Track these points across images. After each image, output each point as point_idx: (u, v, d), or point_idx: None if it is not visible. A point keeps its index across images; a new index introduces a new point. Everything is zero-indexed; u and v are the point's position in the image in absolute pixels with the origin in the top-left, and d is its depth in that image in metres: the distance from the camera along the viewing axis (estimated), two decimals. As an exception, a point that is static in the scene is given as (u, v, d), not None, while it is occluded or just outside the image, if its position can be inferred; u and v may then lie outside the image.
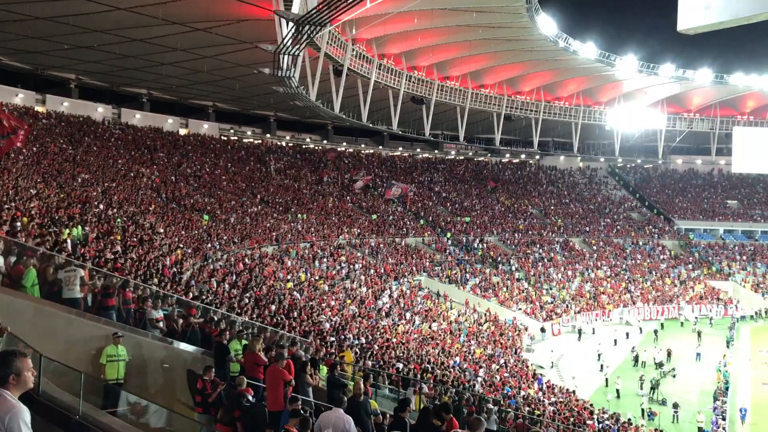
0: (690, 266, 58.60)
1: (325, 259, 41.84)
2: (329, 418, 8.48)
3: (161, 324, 14.16)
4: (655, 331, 45.60)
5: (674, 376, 37.15)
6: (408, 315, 37.77)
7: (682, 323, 49.20)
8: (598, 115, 69.38)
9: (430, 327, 37.17)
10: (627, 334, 44.85)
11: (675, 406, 31.82)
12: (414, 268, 47.21)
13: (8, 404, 4.06)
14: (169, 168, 46.12)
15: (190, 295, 20.39)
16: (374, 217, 53.71)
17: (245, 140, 62.46)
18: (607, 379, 36.50)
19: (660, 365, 38.14)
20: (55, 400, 5.92)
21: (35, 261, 13.41)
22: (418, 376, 24.53)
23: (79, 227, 23.86)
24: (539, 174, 73.86)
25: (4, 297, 11.11)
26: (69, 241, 20.76)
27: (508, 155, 75.57)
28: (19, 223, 19.62)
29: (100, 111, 51.57)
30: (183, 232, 33.88)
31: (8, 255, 13.79)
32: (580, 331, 45.20)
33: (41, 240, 17.80)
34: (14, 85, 47.99)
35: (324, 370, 15.27)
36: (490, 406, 20.42)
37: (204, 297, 22.22)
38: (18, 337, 6.72)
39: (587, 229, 62.57)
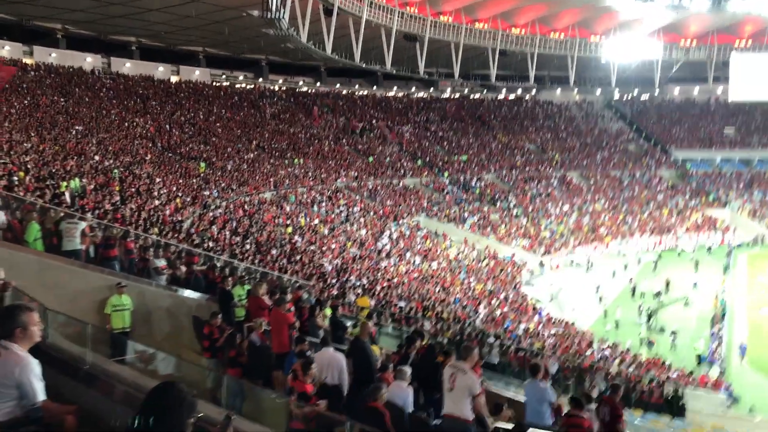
0: (687, 196, 58.78)
1: (323, 203, 41.91)
2: (323, 359, 8.65)
3: (165, 272, 14.33)
4: (655, 262, 46.12)
5: (686, 304, 37.67)
6: (408, 255, 38.09)
7: (679, 253, 49.69)
8: (594, 47, 68.27)
9: (429, 266, 37.53)
10: (625, 266, 45.30)
11: (673, 333, 32.44)
12: (413, 209, 47.34)
13: (17, 357, 4.17)
14: (162, 116, 45.72)
15: (192, 242, 20.57)
16: (371, 159, 53.54)
17: (237, 86, 61.68)
18: (606, 310, 37.11)
19: (658, 295, 38.70)
20: (63, 352, 6.06)
21: (36, 215, 13.48)
22: (420, 314, 24.97)
23: (77, 179, 23.90)
24: (536, 109, 73.26)
25: (6, 252, 11.22)
26: (67, 193, 20.82)
27: (504, 91, 74.77)
28: (15, 178, 19.64)
29: (89, 61, 50.75)
30: (180, 181, 33.87)
31: (6, 210, 13.87)
32: (588, 262, 45.75)
33: (40, 194, 17.85)
34: (0, 37, 47.13)
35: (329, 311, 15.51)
36: (491, 340, 20.86)
37: (205, 244, 22.40)
38: (23, 291, 6.82)
39: (584, 162, 62.48)
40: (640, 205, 56.02)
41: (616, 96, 76.13)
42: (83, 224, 13.46)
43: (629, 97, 76.73)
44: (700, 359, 29.84)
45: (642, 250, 49.63)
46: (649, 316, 35.28)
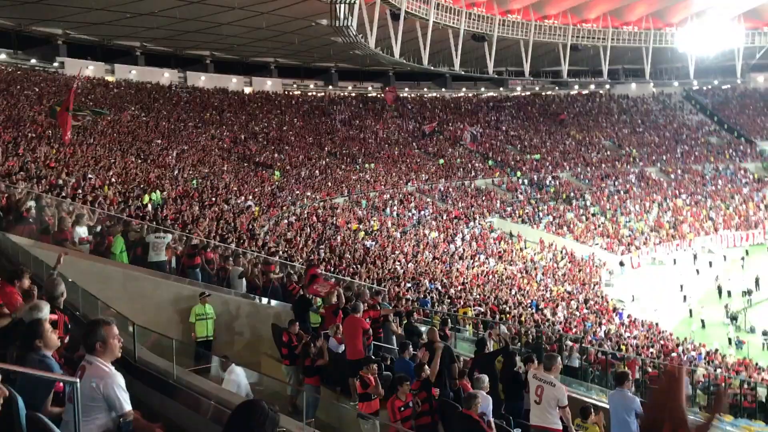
0: (776, 188, 55.95)
1: (395, 207, 42.03)
2: None
3: (244, 281, 14.66)
4: (742, 258, 44.17)
5: None
6: (482, 257, 37.73)
7: (769, 248, 47.46)
8: (669, 38, 65.95)
9: (504, 268, 37.06)
10: (710, 263, 43.52)
11: (765, 333, 30.97)
12: (485, 210, 46.87)
13: (100, 371, 4.33)
14: (237, 127, 46.92)
15: (270, 250, 20.94)
16: (441, 161, 53.35)
17: (308, 94, 62.68)
18: (690, 310, 35.75)
19: (748, 293, 36.97)
20: (150, 365, 6.28)
21: (120, 228, 14.04)
22: (496, 317, 24.66)
23: (158, 192, 24.74)
24: (610, 104, 71.28)
25: (95, 265, 11.72)
26: (149, 205, 21.59)
27: (576, 87, 73.13)
28: (101, 192, 20.50)
29: (166, 76, 52.64)
30: (256, 190, 34.62)
31: (94, 224, 14.49)
32: (695, 256, 44.45)
33: (124, 207, 18.57)
34: (84, 57, 49.40)
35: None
36: (570, 343, 20.39)
37: (281, 251, 22.77)
38: (110, 306, 7.10)
39: (663, 157, 60.37)
40: (724, 200, 53.70)
41: (695, 87, 73.22)
42: (170, 237, 13.95)
43: (709, 88, 73.66)
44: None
45: (728, 247, 47.57)
46: (733, 318, 33.72)
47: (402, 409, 8.00)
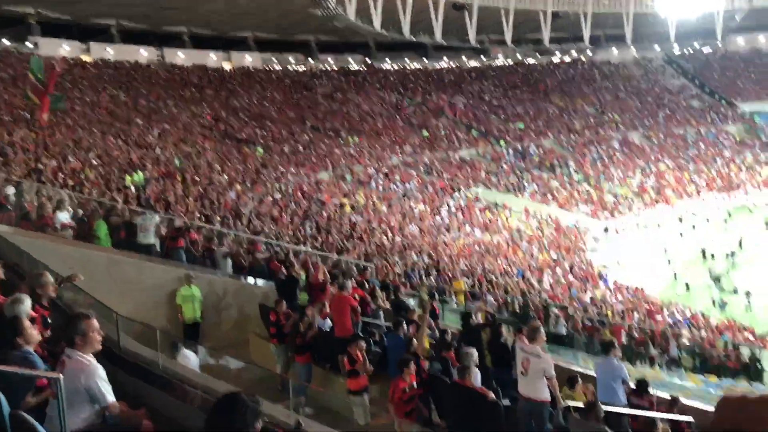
0: (757, 150, 56.30)
1: (380, 180, 41.90)
2: None
3: (229, 261, 14.61)
4: (725, 220, 44.57)
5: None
6: (468, 228, 37.81)
7: (750, 209, 47.85)
8: (650, 2, 65.58)
9: (491, 238, 37.18)
10: (693, 226, 43.90)
11: (747, 294, 31.35)
12: (470, 181, 46.84)
13: (80, 364, 4.33)
14: (217, 104, 46.42)
15: (256, 229, 20.86)
16: (425, 133, 53.13)
17: (289, 68, 61.97)
18: (675, 273, 36.11)
19: (731, 255, 37.36)
20: (136, 356, 6.27)
21: (101, 210, 13.90)
22: (483, 287, 24.80)
23: (140, 172, 24.53)
24: (592, 70, 71.18)
25: (78, 251, 11.61)
26: (132, 186, 21.42)
27: (558, 53, 72.81)
28: (82, 175, 20.29)
29: (143, 54, 51.81)
30: (239, 167, 34.36)
31: (76, 208, 14.34)
32: (680, 220, 44.69)
33: (106, 189, 18.40)
34: (59, 37, 48.47)
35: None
36: (556, 311, 20.57)
37: (266, 230, 22.67)
38: (92, 296, 7.04)
39: (646, 122, 60.51)
40: (706, 163, 54.03)
41: (676, 51, 73.15)
42: (157, 218, 13.87)
43: (690, 52, 73.59)
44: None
45: (711, 209, 47.92)
46: (717, 279, 34.12)
47: (406, 389, 7.81)
